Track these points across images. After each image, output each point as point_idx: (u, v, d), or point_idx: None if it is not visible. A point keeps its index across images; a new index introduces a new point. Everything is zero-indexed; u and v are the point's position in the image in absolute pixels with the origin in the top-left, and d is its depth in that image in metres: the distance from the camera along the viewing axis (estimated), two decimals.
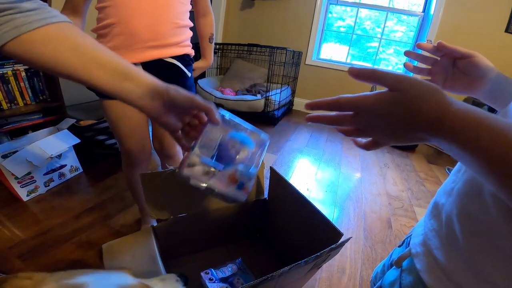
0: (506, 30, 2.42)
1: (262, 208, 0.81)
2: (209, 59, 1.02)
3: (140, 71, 0.41)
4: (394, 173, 1.96)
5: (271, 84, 2.51)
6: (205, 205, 0.72)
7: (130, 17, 0.74)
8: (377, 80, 0.27)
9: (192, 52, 0.89)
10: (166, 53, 0.81)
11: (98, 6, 0.76)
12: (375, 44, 3.03)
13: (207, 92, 2.60)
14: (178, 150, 0.98)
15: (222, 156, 0.46)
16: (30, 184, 1.23)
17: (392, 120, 0.26)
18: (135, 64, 0.74)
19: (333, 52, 3.20)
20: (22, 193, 1.21)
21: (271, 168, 0.76)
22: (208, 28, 0.98)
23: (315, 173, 1.78)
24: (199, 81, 2.84)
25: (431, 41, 2.68)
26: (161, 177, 0.62)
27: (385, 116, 0.26)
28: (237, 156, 0.47)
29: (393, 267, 0.43)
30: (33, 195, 1.25)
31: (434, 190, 1.83)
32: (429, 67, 0.47)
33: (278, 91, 2.51)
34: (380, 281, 0.46)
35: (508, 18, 2.40)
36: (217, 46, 3.07)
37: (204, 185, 0.43)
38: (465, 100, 2.34)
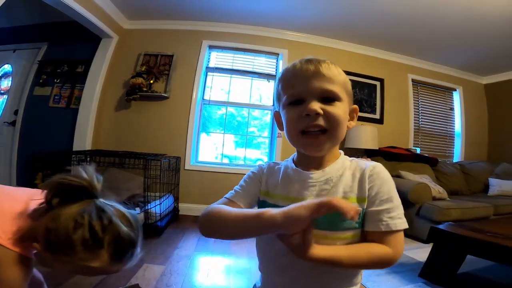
0: None
1: None
2: None
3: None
4: None
5: (150, 195, 2.39)
6: None
7: None
8: None
9: None
10: None
11: None
12: (253, 129, 3.51)
13: None
14: None
15: None
16: None
17: None
18: None
19: (218, 142, 3.43)
20: None
21: None
22: None
23: (206, 274, 1.76)
24: None
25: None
26: None
27: None
28: None
29: None
30: None
31: None
32: None
33: (158, 201, 2.41)
34: None
35: None
36: (85, 154, 2.75)
37: None
38: None
